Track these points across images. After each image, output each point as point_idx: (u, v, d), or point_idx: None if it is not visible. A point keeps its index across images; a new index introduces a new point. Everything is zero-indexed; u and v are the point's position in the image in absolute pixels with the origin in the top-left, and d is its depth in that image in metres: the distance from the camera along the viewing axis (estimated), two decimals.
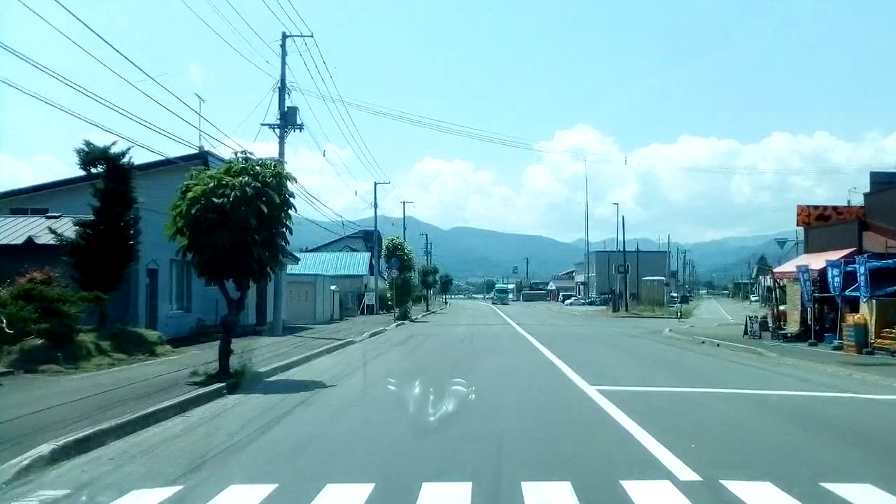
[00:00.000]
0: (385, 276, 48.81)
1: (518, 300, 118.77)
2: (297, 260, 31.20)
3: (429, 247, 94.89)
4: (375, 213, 52.08)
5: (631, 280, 65.76)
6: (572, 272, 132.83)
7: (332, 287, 38.64)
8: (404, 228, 67.69)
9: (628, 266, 63.78)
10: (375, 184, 52.03)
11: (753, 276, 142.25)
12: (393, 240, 42.58)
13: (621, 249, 65.82)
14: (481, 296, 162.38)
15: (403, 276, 41.57)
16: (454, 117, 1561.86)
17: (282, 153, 25.69)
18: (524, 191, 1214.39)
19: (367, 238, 60.06)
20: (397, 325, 33.66)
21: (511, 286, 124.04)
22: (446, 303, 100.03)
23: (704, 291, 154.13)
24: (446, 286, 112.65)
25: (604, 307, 74.36)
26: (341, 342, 21.64)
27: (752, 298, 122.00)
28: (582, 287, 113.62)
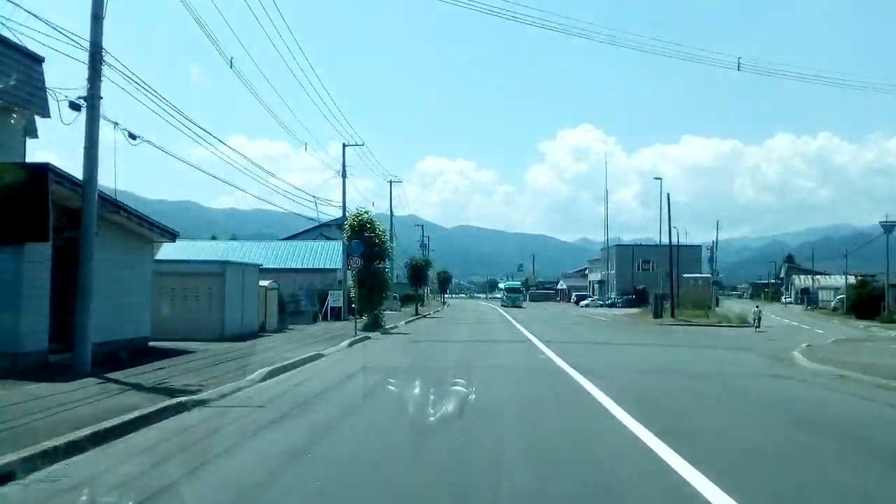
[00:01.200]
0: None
1: (524, 300, 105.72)
2: (172, 237, 18.32)
3: (424, 238, 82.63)
4: (344, 183, 39.51)
5: (658, 277, 53.62)
6: (585, 270, 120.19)
7: (265, 282, 25.87)
8: (391, 214, 55.33)
9: (652, 261, 51.29)
10: (344, 145, 39.61)
11: (783, 276, 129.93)
12: (360, 215, 29.57)
13: (643, 244, 53.18)
14: (483, 295, 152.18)
15: (374, 268, 28.73)
16: (454, 116, 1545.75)
17: None
18: (526, 190, 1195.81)
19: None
20: (351, 344, 20.82)
21: (517, 284, 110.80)
22: (445, 303, 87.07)
23: None
24: (445, 284, 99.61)
25: (634, 310, 61.54)
26: (160, 407, 8.98)
27: (785, 300, 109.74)
28: (598, 286, 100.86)
